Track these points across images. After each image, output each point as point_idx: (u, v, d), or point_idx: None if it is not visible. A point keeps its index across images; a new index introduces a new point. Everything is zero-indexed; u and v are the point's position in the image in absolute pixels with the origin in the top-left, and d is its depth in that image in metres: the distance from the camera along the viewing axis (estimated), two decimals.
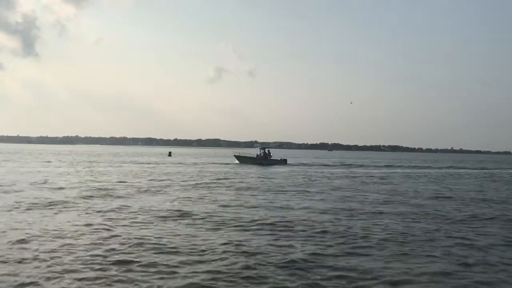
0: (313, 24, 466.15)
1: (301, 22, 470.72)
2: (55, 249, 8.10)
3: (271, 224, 11.32)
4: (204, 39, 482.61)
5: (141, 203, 14.60)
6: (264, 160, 51.28)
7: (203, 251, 8.25)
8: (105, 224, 10.66)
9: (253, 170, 37.94)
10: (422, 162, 74.37)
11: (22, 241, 8.72)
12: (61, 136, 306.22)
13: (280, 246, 8.79)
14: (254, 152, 56.57)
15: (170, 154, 79.20)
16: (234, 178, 27.50)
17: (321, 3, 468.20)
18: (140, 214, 12.35)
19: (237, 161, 52.75)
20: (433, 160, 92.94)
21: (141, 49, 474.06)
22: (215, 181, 25.13)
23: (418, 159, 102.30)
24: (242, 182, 24.89)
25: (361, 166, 53.60)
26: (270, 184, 23.73)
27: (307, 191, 20.37)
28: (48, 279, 6.52)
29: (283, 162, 52.47)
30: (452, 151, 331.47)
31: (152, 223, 11.09)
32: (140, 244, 8.59)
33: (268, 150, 53.41)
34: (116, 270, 6.95)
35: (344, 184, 25.22)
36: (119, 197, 16.25)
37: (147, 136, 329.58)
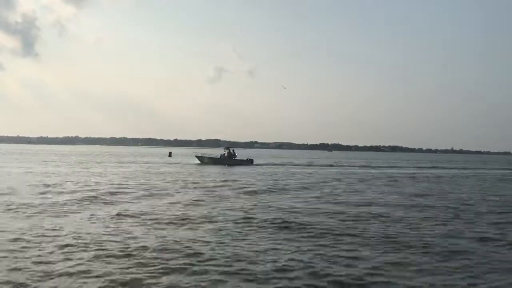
0: (313, 24, 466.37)
1: (301, 22, 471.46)
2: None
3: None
4: (204, 39, 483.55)
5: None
6: (228, 160, 49.19)
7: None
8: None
9: (197, 171, 36.74)
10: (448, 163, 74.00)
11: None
12: (61, 137, 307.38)
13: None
14: (219, 152, 54.40)
15: (170, 155, 79.29)
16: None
17: (321, 3, 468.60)
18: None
19: (198, 162, 49.94)
20: (482, 161, 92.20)
21: (141, 49, 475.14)
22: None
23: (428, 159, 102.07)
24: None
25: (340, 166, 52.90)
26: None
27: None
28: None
29: (249, 162, 50.42)
30: (452, 151, 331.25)
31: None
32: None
33: (233, 150, 51.42)
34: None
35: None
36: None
37: (147, 137, 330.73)
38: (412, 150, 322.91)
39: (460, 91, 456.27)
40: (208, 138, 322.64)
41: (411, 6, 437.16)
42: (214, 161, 49.43)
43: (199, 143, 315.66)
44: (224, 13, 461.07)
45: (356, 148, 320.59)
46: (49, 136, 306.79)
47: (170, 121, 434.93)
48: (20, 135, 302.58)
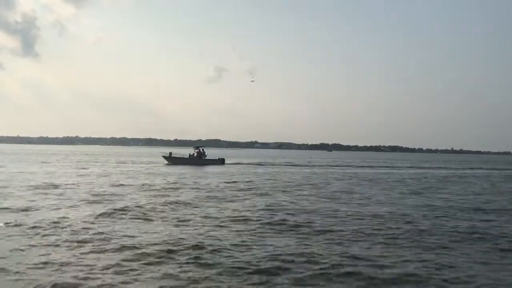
0: (313, 24, 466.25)
1: (301, 22, 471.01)
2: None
3: None
4: (204, 39, 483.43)
5: None
6: (198, 160, 47.69)
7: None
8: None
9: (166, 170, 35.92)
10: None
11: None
12: (61, 137, 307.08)
13: None
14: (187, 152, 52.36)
15: (170, 155, 79.25)
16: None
17: (322, 2, 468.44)
18: None
19: (166, 162, 48.26)
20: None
21: (141, 49, 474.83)
22: None
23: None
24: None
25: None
26: None
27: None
28: None
29: (220, 161, 48.83)
30: (453, 151, 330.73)
31: None
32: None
33: (203, 149, 49.81)
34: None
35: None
36: None
37: (147, 137, 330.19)
38: (412, 150, 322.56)
39: (460, 91, 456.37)
40: (208, 138, 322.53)
41: (412, 6, 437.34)
42: (182, 161, 47.78)
43: (199, 143, 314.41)
44: (224, 13, 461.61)
45: (356, 148, 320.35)
46: (49, 136, 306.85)
47: (170, 121, 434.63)
48: (20, 135, 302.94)
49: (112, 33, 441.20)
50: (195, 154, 48.81)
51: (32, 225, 10.72)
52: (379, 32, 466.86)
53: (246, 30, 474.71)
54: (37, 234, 9.86)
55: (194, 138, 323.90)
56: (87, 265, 7.50)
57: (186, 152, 52.78)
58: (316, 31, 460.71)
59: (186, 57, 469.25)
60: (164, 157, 49.45)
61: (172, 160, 48.29)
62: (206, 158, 49.15)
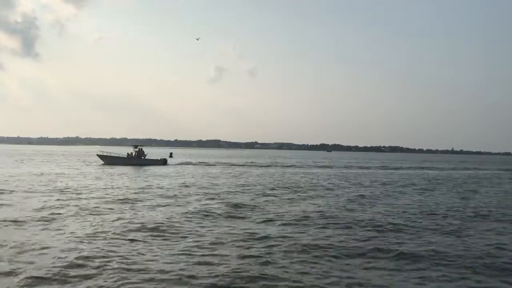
0: (314, 24, 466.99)
1: (302, 22, 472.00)
2: None
3: None
4: (205, 38, 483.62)
5: None
6: (137, 160, 45.07)
7: None
8: None
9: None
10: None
11: None
12: (61, 137, 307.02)
13: None
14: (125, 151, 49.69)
15: (171, 155, 79.00)
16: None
17: (322, 2, 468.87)
18: None
19: (102, 162, 45.39)
20: None
21: (141, 49, 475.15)
22: None
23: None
24: None
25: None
26: None
27: None
28: None
29: (162, 162, 46.71)
30: (453, 152, 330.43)
31: None
32: None
33: (141, 148, 46.98)
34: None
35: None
36: None
37: (147, 137, 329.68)
38: (412, 151, 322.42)
39: (460, 91, 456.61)
40: (208, 139, 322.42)
41: (412, 7, 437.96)
42: (120, 161, 44.87)
43: (200, 144, 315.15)
44: (225, 12, 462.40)
45: (356, 149, 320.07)
46: (49, 137, 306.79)
47: (170, 121, 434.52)
48: (20, 136, 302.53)
49: (112, 33, 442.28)
50: (134, 154, 46.09)
51: None
52: (379, 32, 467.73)
53: (246, 30, 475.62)
54: None
55: (194, 138, 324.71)
56: None
57: (124, 151, 49.77)
58: (316, 31, 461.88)
59: (186, 57, 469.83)
60: (99, 156, 46.67)
61: (108, 160, 45.42)
62: (146, 158, 46.68)
